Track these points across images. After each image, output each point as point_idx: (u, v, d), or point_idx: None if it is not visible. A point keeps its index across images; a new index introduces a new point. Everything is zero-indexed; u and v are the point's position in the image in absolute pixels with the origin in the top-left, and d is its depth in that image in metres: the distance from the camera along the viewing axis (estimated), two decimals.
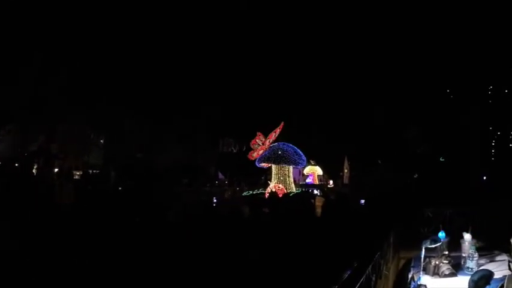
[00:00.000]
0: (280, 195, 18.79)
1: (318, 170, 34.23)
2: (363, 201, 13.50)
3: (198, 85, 43.91)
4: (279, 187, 21.49)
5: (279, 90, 51.60)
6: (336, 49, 53.33)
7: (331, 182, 33.92)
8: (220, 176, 43.49)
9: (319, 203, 9.65)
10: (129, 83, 37.72)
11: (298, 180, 42.27)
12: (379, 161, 45.72)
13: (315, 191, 22.44)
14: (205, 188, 32.03)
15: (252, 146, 24.20)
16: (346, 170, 50.49)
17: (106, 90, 35.48)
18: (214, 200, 18.75)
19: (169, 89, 40.52)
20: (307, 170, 34.59)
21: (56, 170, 27.74)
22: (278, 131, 23.68)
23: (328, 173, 45.12)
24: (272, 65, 53.64)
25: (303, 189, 25.52)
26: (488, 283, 3.17)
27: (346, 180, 48.39)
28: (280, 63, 54.94)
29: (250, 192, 23.56)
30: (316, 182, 32.96)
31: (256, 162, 23.30)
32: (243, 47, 51.03)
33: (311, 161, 34.90)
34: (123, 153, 37.37)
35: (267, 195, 20.33)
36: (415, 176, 36.56)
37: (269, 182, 23.43)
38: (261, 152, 23.43)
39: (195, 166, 42.34)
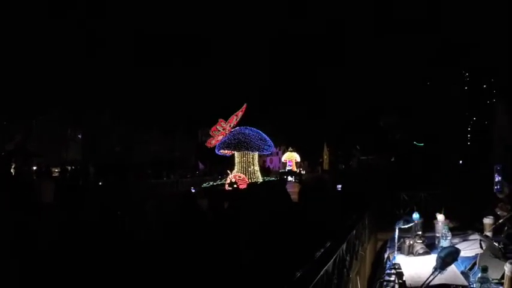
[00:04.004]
0: (241, 186, 17.71)
1: (296, 157, 34.40)
2: (340, 186, 13.58)
3: (175, 77, 43.79)
4: (239, 177, 19.63)
5: (258, 77, 51.72)
6: (315, 35, 53.57)
7: (301, 169, 33.46)
8: (201, 166, 43.39)
9: (294, 189, 9.68)
10: (105, 78, 37.46)
11: (278, 167, 42.51)
12: (358, 147, 46.36)
13: (289, 178, 21.58)
14: (186, 178, 31.95)
15: (211, 133, 21.92)
16: (325, 156, 50.88)
17: (82, 86, 35.16)
18: (193, 190, 17.64)
19: (145, 82, 40.38)
20: (285, 157, 34.84)
21: (35, 168, 27.24)
22: (240, 114, 21.45)
23: (307, 159, 45.58)
24: (250, 51, 53.56)
25: (277, 177, 24.86)
26: (455, 259, 3.27)
27: (326, 166, 48.82)
28: (259, 50, 54.85)
29: (211, 183, 21.56)
30: (295, 168, 33.11)
31: (216, 149, 21.18)
32: (218, 31, 50.74)
33: (290, 148, 35.16)
34: (101, 148, 37.02)
35: (227, 186, 19.16)
36: (392, 160, 37.12)
37: (229, 171, 21.03)
38: (220, 138, 21.21)
39: (174, 158, 42.29)
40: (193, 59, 46.95)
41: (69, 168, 31.33)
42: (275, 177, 25.23)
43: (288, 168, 33.93)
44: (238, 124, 21.52)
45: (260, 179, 20.45)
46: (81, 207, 13.42)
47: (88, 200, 15.93)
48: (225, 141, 20.58)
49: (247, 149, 20.25)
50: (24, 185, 17.04)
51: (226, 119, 21.50)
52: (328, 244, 3.40)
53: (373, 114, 45.30)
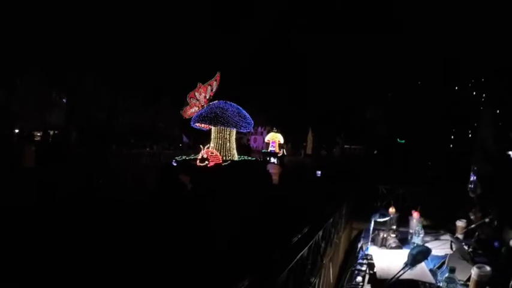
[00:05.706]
0: (212, 163, 17.22)
1: (280, 138, 34.20)
2: (319, 172, 13.65)
3: (165, 46, 42.95)
4: (212, 153, 18.46)
5: (251, 53, 51.29)
6: (307, 24, 53.33)
7: (282, 150, 33.07)
8: (185, 139, 43.15)
9: (275, 170, 9.74)
10: (94, 42, 36.55)
11: (262, 147, 42.59)
12: (342, 135, 46.71)
13: (272, 159, 21.12)
14: (169, 151, 31.79)
15: (188, 100, 20.15)
16: (309, 141, 51.00)
17: (69, 48, 34.25)
18: (174, 164, 16.83)
19: (134, 49, 39.55)
20: (268, 137, 34.69)
21: (17, 131, 26.69)
22: (214, 83, 19.87)
23: (291, 142, 45.69)
24: (243, 30, 53.10)
25: (260, 157, 24.41)
26: (425, 258, 3.41)
27: (309, 150, 49.01)
28: (251, 30, 54.42)
29: (184, 157, 20.20)
30: (277, 150, 33.01)
31: (192, 122, 19.65)
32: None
33: (274, 129, 35.01)
34: (85, 114, 36.40)
35: (198, 161, 18.29)
36: (374, 152, 37.47)
37: (201, 146, 19.33)
38: (195, 109, 19.87)
39: (158, 128, 41.96)
40: (180, 33, 45.86)
41: (52, 132, 30.87)
42: (258, 157, 24.90)
43: (271, 149, 33.77)
44: (218, 97, 20.19)
45: (236, 157, 19.62)
46: (61, 175, 13.28)
47: (70, 167, 15.76)
48: (201, 114, 19.29)
49: (224, 125, 19.08)
50: (6, 149, 16.59)
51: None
52: (306, 230, 3.47)
53: (361, 105, 45.50)
